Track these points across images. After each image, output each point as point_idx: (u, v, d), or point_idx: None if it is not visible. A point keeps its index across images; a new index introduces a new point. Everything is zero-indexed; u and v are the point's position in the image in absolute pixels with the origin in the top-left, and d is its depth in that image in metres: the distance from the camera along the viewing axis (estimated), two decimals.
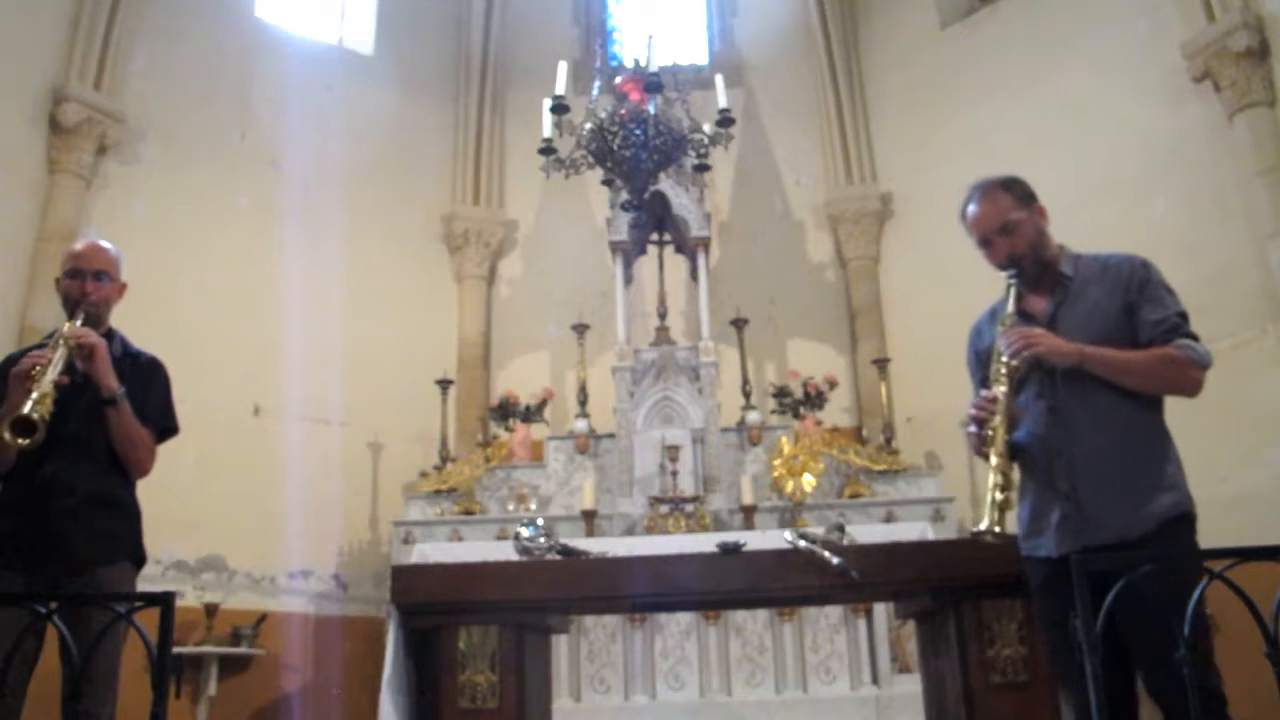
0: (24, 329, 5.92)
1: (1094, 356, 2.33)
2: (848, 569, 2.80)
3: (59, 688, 1.87)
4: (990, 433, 2.33)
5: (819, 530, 3.08)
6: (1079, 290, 2.47)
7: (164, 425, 2.94)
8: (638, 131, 5.69)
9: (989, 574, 2.69)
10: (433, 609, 2.99)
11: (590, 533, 6.05)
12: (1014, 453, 2.35)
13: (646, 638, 5.78)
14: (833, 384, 6.96)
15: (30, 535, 2.64)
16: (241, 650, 6.19)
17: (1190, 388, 2.37)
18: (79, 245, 2.94)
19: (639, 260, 7.48)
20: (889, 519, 6.11)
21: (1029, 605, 2.67)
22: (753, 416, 6.68)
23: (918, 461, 7.01)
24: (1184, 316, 2.40)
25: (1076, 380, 2.36)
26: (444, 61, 8.60)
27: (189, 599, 6.12)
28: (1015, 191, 2.55)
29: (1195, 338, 2.37)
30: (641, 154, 5.72)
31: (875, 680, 5.61)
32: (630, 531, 6.17)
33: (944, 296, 6.97)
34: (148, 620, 1.79)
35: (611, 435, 6.60)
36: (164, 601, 1.79)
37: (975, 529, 2.26)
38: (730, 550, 2.95)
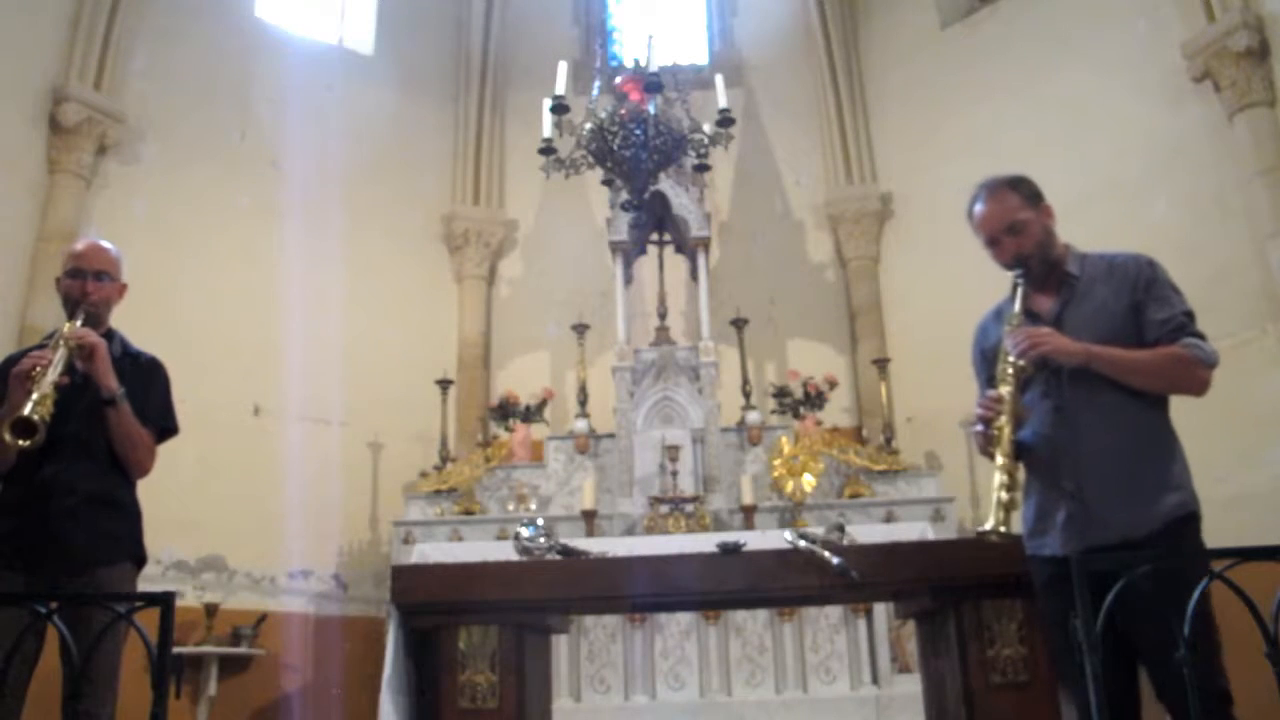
0: (24, 329, 5.92)
1: (1101, 356, 2.33)
2: (848, 569, 2.79)
3: (59, 688, 1.87)
4: (996, 432, 2.33)
5: (819, 530, 3.08)
6: (1085, 289, 2.46)
7: (164, 425, 2.94)
8: (638, 131, 5.69)
9: (989, 574, 2.69)
10: (433, 609, 2.99)
11: (590, 533, 6.05)
12: (1019, 452, 2.35)
13: (646, 638, 5.78)
14: (833, 384, 6.96)
15: (30, 535, 2.64)
16: (241, 650, 6.19)
17: (1198, 387, 2.37)
18: (80, 245, 2.94)
19: (639, 260, 7.48)
20: (889, 519, 6.11)
21: (1029, 605, 2.67)
22: (753, 416, 6.68)
23: (918, 461, 7.01)
24: (1190, 315, 2.39)
25: (1083, 380, 2.35)
26: (444, 61, 8.60)
27: (189, 599, 6.12)
28: (1023, 191, 2.53)
29: (1202, 336, 2.37)
30: (641, 154, 5.72)
31: (875, 680, 5.61)
32: (630, 531, 6.17)
33: (944, 296, 6.98)
34: (148, 620, 1.79)
35: (611, 435, 6.60)
36: (164, 601, 1.79)
37: (981, 529, 2.26)
38: (730, 550, 2.95)
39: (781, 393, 6.93)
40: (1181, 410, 2.44)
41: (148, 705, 1.72)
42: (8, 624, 2.32)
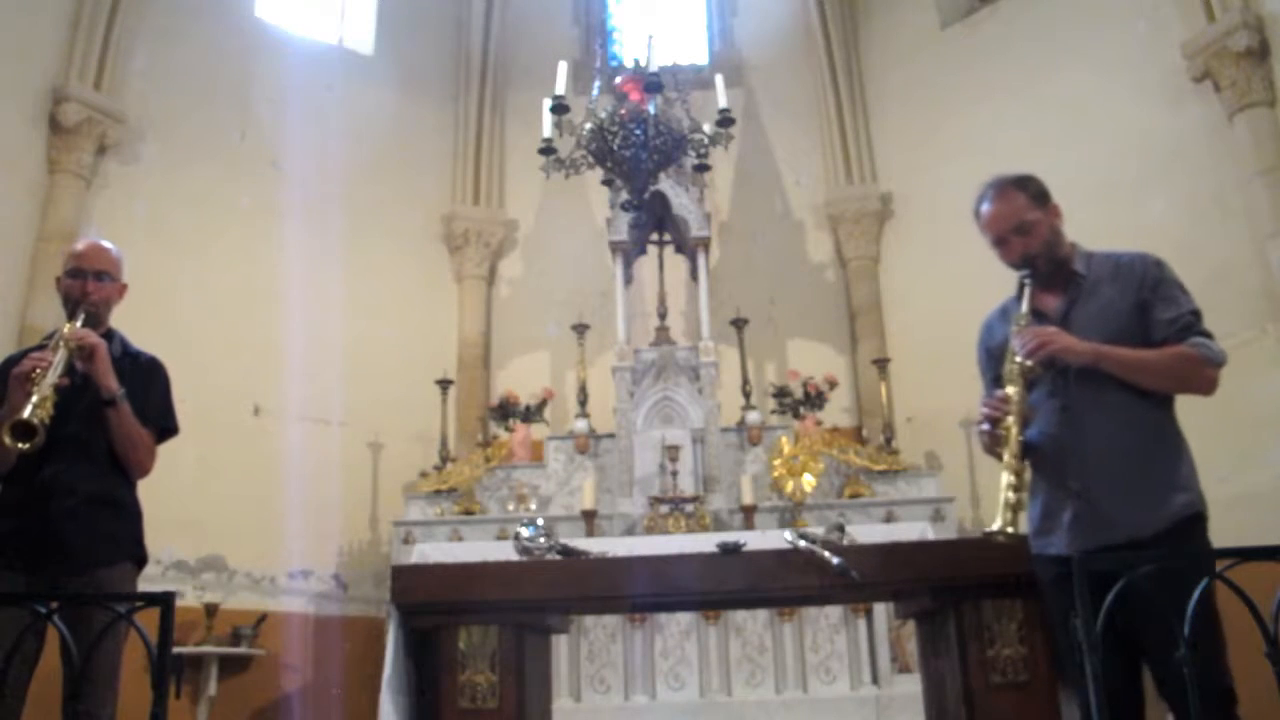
0: (24, 329, 5.92)
1: (1109, 355, 2.32)
2: (848, 569, 2.79)
3: (59, 688, 1.87)
4: (1003, 432, 2.32)
5: (819, 530, 3.07)
6: (1092, 289, 2.45)
7: (164, 425, 2.94)
8: (638, 131, 5.69)
9: (989, 574, 2.68)
10: (433, 609, 2.98)
11: (590, 533, 6.05)
12: (1025, 451, 2.34)
13: (646, 638, 5.78)
14: (833, 384, 6.96)
15: (31, 536, 2.64)
16: (241, 650, 6.19)
17: (1205, 386, 2.36)
18: (80, 245, 2.94)
19: (639, 260, 7.48)
20: (889, 519, 6.11)
21: (1029, 605, 2.67)
22: (753, 416, 6.68)
23: (918, 461, 7.01)
24: (1197, 315, 2.38)
25: (1089, 379, 2.35)
26: (444, 61, 8.60)
27: (189, 599, 6.12)
28: (1030, 190, 2.52)
29: (1210, 336, 2.36)
30: (641, 154, 5.72)
31: (875, 680, 5.61)
32: (630, 531, 6.17)
33: (944, 296, 6.99)
34: (148, 620, 1.79)
35: (611, 435, 6.60)
36: (164, 601, 1.79)
37: (988, 529, 2.25)
38: (730, 550, 2.95)
39: (781, 393, 6.93)
40: (1182, 410, 2.44)
41: (148, 705, 1.72)
42: (8, 624, 2.31)
